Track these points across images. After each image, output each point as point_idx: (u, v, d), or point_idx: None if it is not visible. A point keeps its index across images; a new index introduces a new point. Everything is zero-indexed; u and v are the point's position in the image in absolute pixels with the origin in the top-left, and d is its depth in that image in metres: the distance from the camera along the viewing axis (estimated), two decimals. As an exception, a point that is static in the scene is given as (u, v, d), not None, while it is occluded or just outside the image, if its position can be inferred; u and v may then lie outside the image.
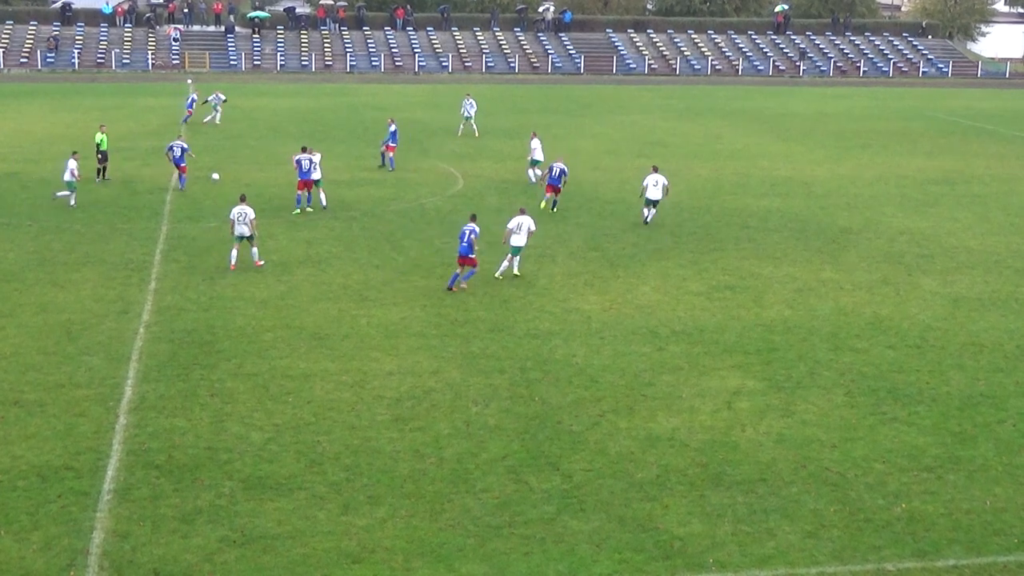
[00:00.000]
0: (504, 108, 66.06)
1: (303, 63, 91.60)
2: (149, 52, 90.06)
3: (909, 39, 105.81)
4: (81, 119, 57.41)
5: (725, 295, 26.98)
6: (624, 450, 17.95)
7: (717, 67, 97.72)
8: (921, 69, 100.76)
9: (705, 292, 27.20)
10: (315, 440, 18.10)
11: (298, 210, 35.18)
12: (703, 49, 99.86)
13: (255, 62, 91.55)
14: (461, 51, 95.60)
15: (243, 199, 28.65)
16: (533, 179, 41.44)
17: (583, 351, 22.65)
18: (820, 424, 19.21)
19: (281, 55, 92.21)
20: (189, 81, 79.53)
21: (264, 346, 22.58)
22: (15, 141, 50.10)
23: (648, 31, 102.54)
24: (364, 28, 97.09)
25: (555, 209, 36.30)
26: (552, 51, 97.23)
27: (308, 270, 28.50)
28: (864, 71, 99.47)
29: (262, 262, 28.51)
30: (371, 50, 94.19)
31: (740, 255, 30.99)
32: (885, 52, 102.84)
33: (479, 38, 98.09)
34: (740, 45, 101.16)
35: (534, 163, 41.58)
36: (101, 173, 40.25)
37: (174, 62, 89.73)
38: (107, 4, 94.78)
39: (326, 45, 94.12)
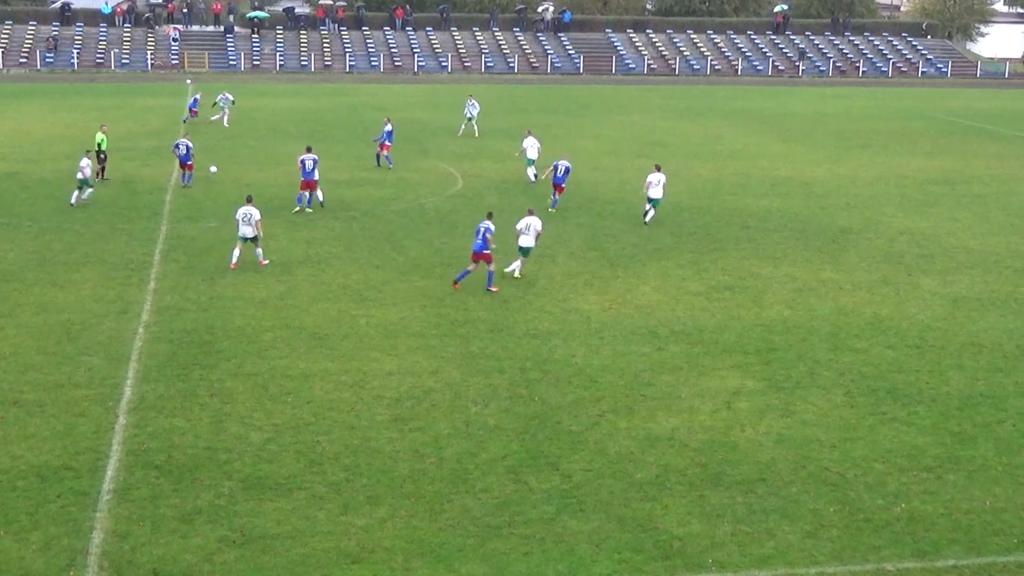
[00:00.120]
0: (503, 108, 66.06)
1: (302, 63, 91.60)
2: (148, 52, 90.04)
3: (908, 39, 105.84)
4: (80, 119, 57.40)
5: (725, 295, 26.98)
6: (623, 450, 17.95)
7: (716, 67, 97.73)
8: (920, 69, 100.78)
9: (705, 292, 27.20)
10: (315, 440, 18.09)
11: (297, 208, 35.23)
12: (702, 49, 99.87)
13: (254, 62, 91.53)
14: (460, 51, 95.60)
15: (249, 200, 28.69)
16: (533, 178, 41.55)
17: (583, 351, 22.65)
18: (820, 424, 19.22)
19: (280, 55, 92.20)
20: (188, 81, 79.52)
21: (264, 346, 22.58)
22: (14, 141, 50.09)
23: (647, 31, 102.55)
24: (363, 28, 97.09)
25: (554, 208, 36.31)
26: (551, 51, 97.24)
27: (308, 270, 28.50)
28: (863, 71, 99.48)
29: (266, 262, 28.52)
30: (370, 50, 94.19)
31: (740, 255, 31.00)
32: (884, 52, 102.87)
33: (478, 38, 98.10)
34: (739, 45, 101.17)
35: (531, 163, 41.72)
36: (100, 173, 40.26)
37: (173, 62, 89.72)
38: (106, 4, 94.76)
39: (325, 45, 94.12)
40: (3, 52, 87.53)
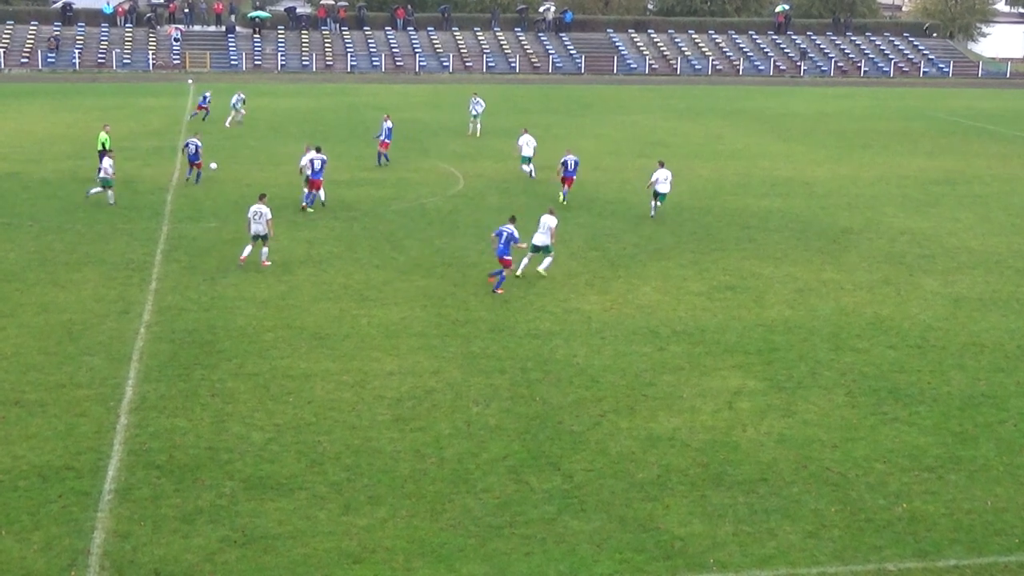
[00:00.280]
0: (505, 108, 66.03)
1: (304, 63, 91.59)
2: (150, 52, 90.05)
3: (910, 39, 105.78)
4: (82, 119, 57.42)
5: (726, 295, 26.97)
6: (625, 450, 17.95)
7: (718, 67, 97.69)
8: (922, 69, 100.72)
9: (706, 292, 27.19)
10: (316, 440, 18.10)
11: (308, 207, 35.51)
12: (704, 49, 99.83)
13: (256, 62, 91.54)
14: (462, 51, 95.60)
15: (262, 198, 28.84)
16: (532, 174, 41.99)
17: (584, 351, 22.65)
18: (821, 424, 19.21)
19: (282, 55, 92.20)
20: (190, 81, 79.52)
21: (265, 346, 22.58)
22: (16, 141, 50.11)
23: (649, 31, 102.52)
24: (365, 28, 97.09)
25: (564, 201, 37.03)
26: (553, 51, 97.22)
27: (309, 270, 28.50)
28: (865, 71, 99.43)
29: (268, 263, 28.54)
30: (372, 50, 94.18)
31: (741, 255, 30.99)
32: (886, 52, 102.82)
33: (480, 38, 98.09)
34: (741, 45, 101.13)
35: (526, 159, 42.23)
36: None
37: (175, 62, 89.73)
38: (108, 4, 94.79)
39: (327, 45, 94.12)
40: (5, 52, 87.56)
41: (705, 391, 20.62)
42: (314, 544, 14.87)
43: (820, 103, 75.19)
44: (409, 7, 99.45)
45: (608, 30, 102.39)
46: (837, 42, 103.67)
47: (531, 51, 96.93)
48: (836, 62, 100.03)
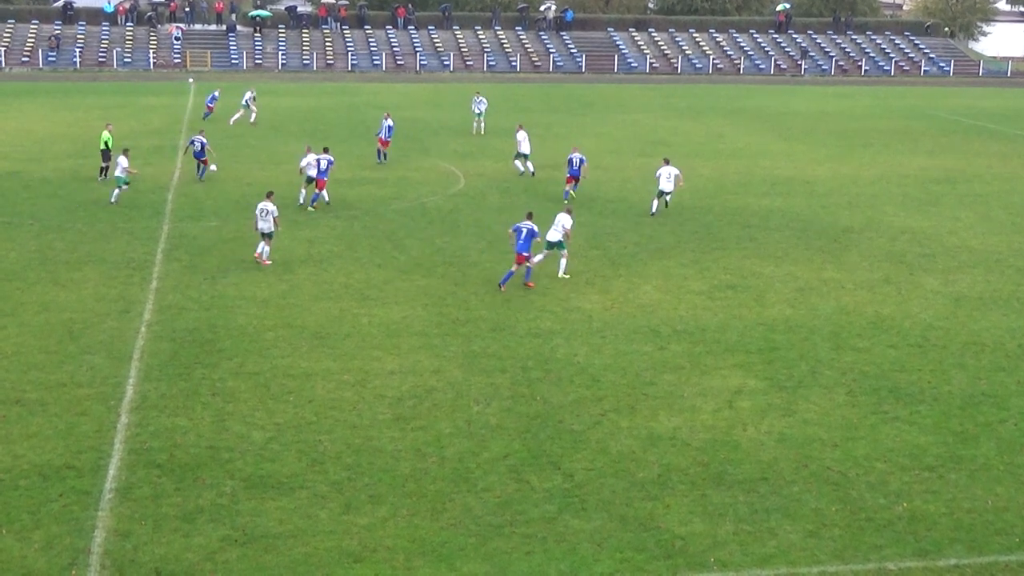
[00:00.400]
0: (506, 107, 66.00)
1: (304, 62, 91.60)
2: (151, 51, 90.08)
3: (911, 38, 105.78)
4: (83, 118, 57.44)
5: (727, 294, 26.97)
6: (625, 449, 17.95)
7: (719, 66, 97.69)
8: (923, 68, 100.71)
9: (707, 291, 27.19)
10: (317, 439, 18.10)
11: (314, 206, 35.64)
12: (705, 48, 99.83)
13: (256, 61, 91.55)
14: (463, 50, 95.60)
15: (269, 196, 29.10)
16: (522, 170, 42.71)
17: (584, 350, 22.65)
18: (822, 423, 19.21)
19: (283, 54, 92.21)
20: (190, 80, 79.56)
21: (265, 345, 22.58)
22: (17, 140, 50.12)
23: (650, 30, 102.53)
24: (365, 27, 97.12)
25: (567, 199, 37.37)
26: (554, 50, 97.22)
27: (309, 269, 28.51)
28: (866, 70, 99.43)
29: (269, 262, 28.56)
30: (372, 49, 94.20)
31: (742, 254, 30.99)
32: (887, 51, 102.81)
33: (481, 37, 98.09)
34: (742, 44, 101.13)
35: (519, 156, 42.82)
36: (104, 172, 40.32)
37: (176, 61, 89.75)
38: (109, 3, 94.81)
39: (328, 44, 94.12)
40: (5, 51, 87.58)
41: (706, 390, 20.62)
42: (315, 543, 14.87)
43: (821, 102, 75.18)
44: (410, 6, 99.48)
45: (609, 29, 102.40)
46: (838, 41, 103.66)
47: (532, 50, 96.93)
48: (837, 61, 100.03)
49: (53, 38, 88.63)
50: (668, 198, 36.12)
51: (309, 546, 14.79)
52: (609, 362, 21.96)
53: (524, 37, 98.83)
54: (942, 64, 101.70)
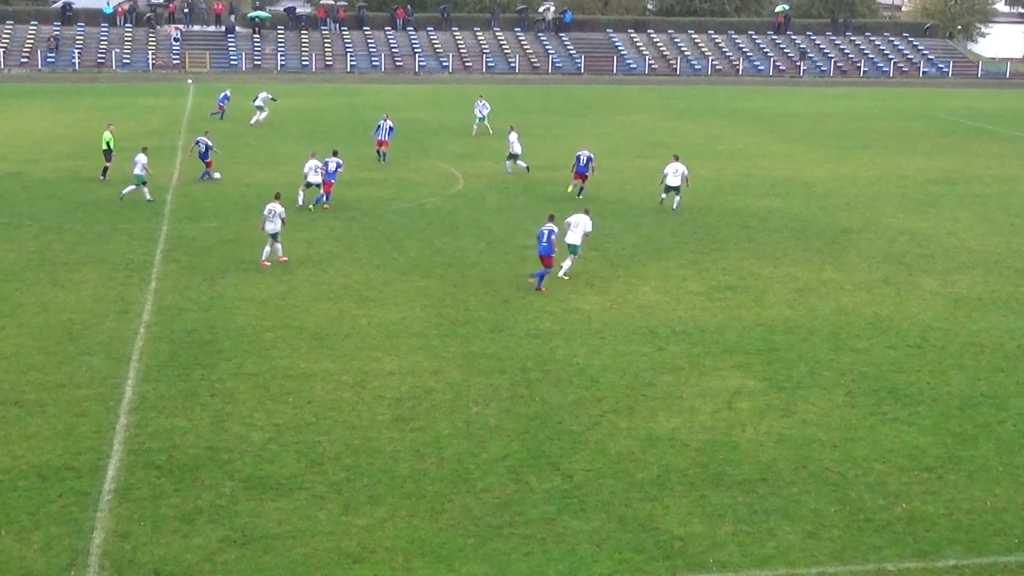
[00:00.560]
0: (505, 108, 65.97)
1: (303, 63, 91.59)
2: (149, 52, 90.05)
3: (909, 39, 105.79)
4: (82, 119, 57.44)
5: (726, 295, 26.97)
6: (624, 450, 17.95)
7: (717, 67, 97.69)
8: (921, 69, 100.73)
9: (706, 292, 27.19)
10: (316, 440, 18.10)
11: (325, 205, 35.77)
12: (703, 49, 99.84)
13: (255, 62, 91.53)
14: (461, 51, 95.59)
15: (277, 197, 29.17)
16: (510, 170, 43.37)
17: (583, 351, 22.65)
18: (821, 424, 19.21)
19: (281, 55, 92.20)
20: (190, 81, 79.55)
21: (264, 346, 22.58)
22: (16, 141, 50.11)
23: (648, 31, 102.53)
24: (364, 28, 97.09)
25: (581, 195, 38.12)
26: (552, 51, 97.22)
27: (309, 270, 28.51)
28: (864, 71, 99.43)
29: (268, 263, 28.59)
30: (371, 50, 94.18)
31: (740, 255, 30.99)
32: (885, 52, 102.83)
33: (479, 38, 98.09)
34: (740, 45, 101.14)
35: (511, 156, 43.46)
36: (106, 172, 40.38)
37: (174, 62, 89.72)
38: (107, 4, 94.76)
39: (326, 45, 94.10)
40: (4, 52, 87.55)
41: (704, 391, 20.62)
42: (314, 544, 14.87)
43: (820, 103, 75.20)
44: (409, 7, 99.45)
45: (608, 30, 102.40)
46: (837, 42, 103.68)
47: (531, 51, 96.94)
48: (836, 62, 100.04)
49: (52, 39, 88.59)
50: (679, 199, 36.45)
51: (308, 547, 14.79)
52: (608, 363, 21.97)
53: (523, 38, 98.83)
54: (941, 65, 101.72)
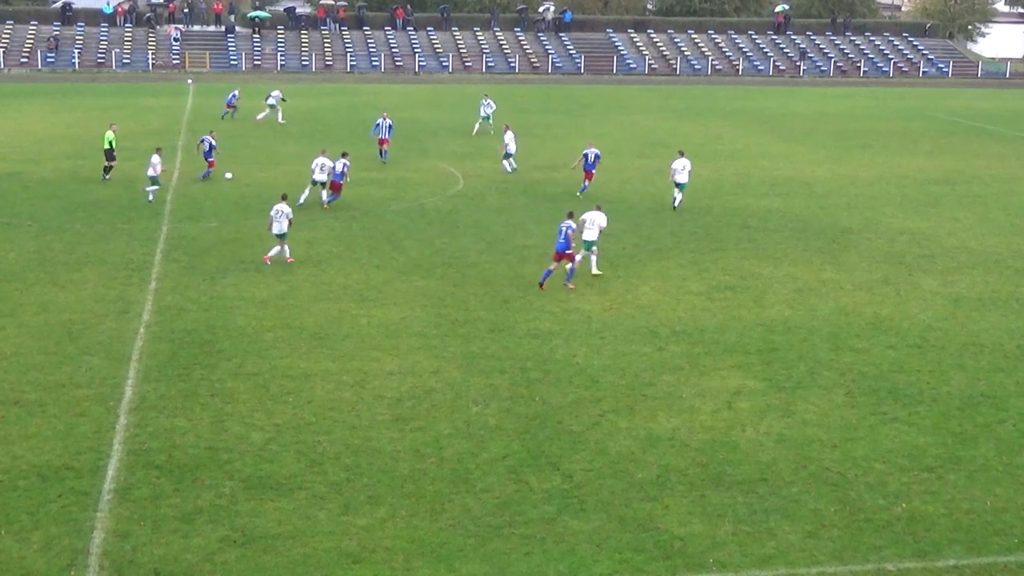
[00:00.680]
0: (505, 108, 65.92)
1: (303, 63, 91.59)
2: (149, 52, 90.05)
3: (909, 39, 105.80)
4: (82, 119, 57.45)
5: (725, 295, 26.98)
6: (624, 450, 17.96)
7: (717, 67, 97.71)
8: (921, 69, 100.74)
9: (705, 292, 27.19)
10: (315, 440, 18.10)
11: (327, 205, 35.83)
12: (703, 49, 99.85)
13: (255, 62, 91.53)
14: (461, 51, 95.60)
15: (284, 198, 29.28)
16: (508, 169, 43.51)
17: (583, 351, 22.65)
18: (820, 424, 19.21)
19: (281, 55, 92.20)
20: (190, 81, 79.55)
21: (264, 346, 22.58)
22: (15, 141, 50.10)
23: (648, 31, 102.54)
24: (364, 28, 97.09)
25: (580, 194, 38.26)
26: (552, 51, 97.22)
27: (308, 270, 28.50)
28: (864, 71, 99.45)
29: (270, 263, 28.63)
30: (371, 50, 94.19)
31: (740, 255, 30.99)
32: (885, 52, 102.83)
33: (479, 38, 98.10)
34: (740, 45, 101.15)
35: (507, 156, 43.69)
36: (107, 172, 40.40)
37: (174, 62, 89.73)
38: (107, 4, 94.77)
39: (326, 45, 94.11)
40: (4, 52, 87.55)
41: (704, 391, 20.62)
42: (314, 544, 14.87)
43: (819, 103, 75.21)
44: (408, 7, 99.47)
45: (607, 30, 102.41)
46: (836, 42, 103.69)
47: (530, 51, 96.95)
48: (835, 62, 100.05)
49: (52, 39, 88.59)
50: (682, 196, 36.59)
51: (308, 547, 14.79)
52: (608, 363, 21.97)
53: (523, 38, 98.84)
54: (941, 65, 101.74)
